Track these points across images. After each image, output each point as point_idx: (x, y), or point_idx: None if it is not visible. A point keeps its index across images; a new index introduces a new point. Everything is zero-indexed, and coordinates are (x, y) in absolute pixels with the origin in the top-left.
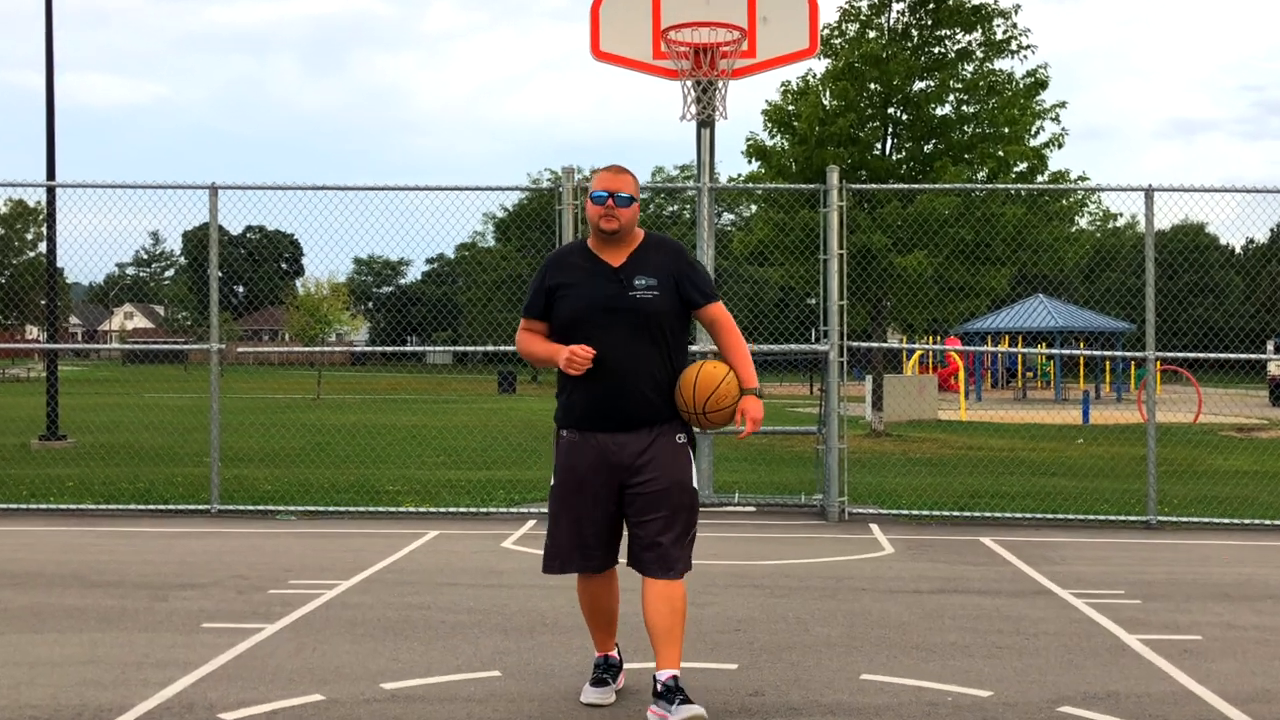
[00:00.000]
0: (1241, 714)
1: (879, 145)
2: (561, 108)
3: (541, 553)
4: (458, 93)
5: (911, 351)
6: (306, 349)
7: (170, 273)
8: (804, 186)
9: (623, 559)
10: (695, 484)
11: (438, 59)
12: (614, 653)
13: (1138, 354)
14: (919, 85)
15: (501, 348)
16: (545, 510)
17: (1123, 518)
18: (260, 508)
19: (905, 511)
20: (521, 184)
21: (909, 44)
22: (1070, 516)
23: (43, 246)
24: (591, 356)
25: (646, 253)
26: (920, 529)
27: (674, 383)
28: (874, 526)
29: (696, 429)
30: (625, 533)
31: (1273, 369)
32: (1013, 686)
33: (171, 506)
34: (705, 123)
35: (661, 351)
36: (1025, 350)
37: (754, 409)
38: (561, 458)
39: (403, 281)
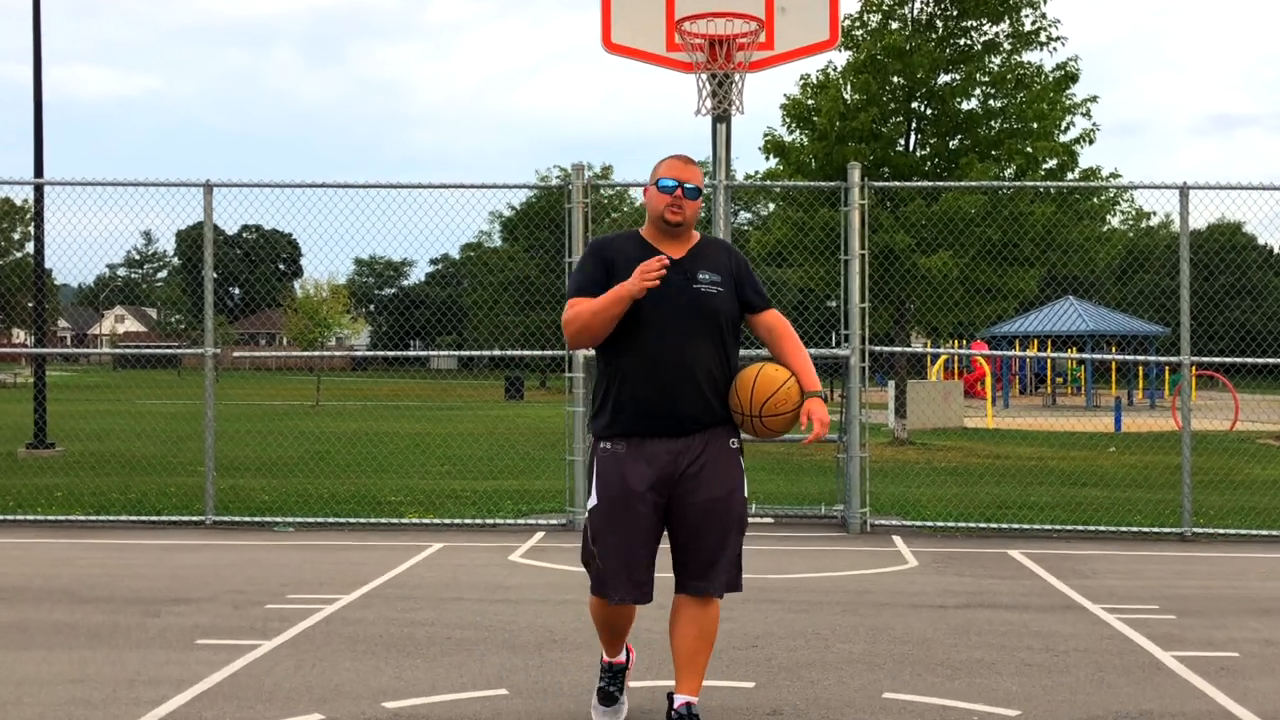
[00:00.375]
0: None
1: (902, 141)
2: (571, 102)
3: (550, 565)
4: (462, 86)
5: (936, 356)
6: (305, 353)
7: (163, 274)
8: (824, 184)
9: (663, 573)
10: (746, 493)
11: (441, 50)
12: (622, 657)
13: (1172, 359)
14: (944, 78)
15: (509, 352)
16: (554, 522)
17: (1156, 529)
18: (257, 519)
19: (929, 523)
20: (529, 181)
21: (933, 35)
22: (1102, 528)
23: (30, 247)
24: (665, 264)
25: (706, 250)
26: (945, 541)
27: (728, 384)
28: (897, 538)
29: (749, 435)
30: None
31: None
32: (1041, 706)
33: (164, 518)
34: (721, 118)
35: (719, 351)
36: (1055, 355)
37: (820, 411)
38: (606, 475)
39: (405, 283)
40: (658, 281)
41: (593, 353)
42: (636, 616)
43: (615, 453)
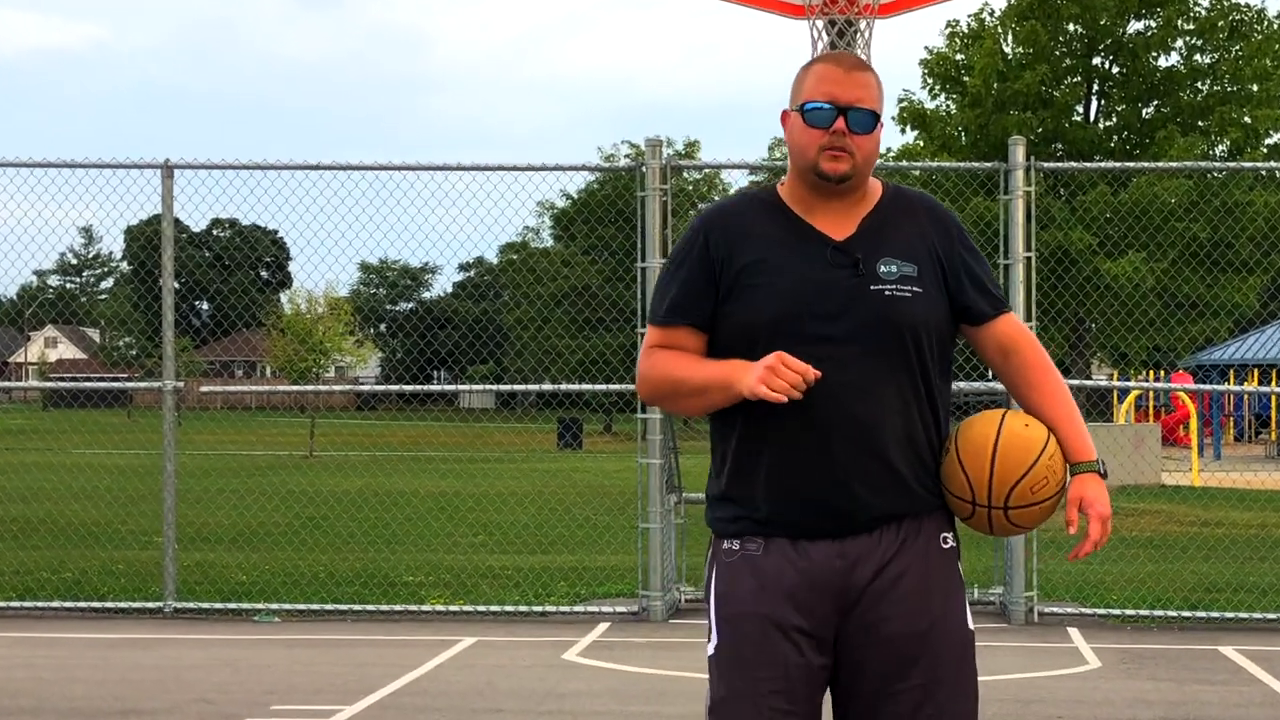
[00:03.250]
0: None
1: (1080, 108)
2: (643, 59)
3: (616, 666)
4: (499, 38)
5: (1125, 391)
6: (295, 388)
7: (108, 284)
8: (977, 165)
9: None
10: (971, 624)
11: None
12: None
13: None
14: (1135, 26)
15: (563, 386)
16: (622, 610)
17: None
18: (231, 606)
19: (1116, 611)
20: (590, 162)
21: None
22: None
23: None
24: (809, 375)
25: (891, 217)
26: (1137, 635)
27: (938, 447)
28: (1074, 631)
29: (980, 531)
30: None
31: None
32: None
33: (110, 604)
34: None
35: (919, 391)
36: None
37: (1100, 500)
38: (730, 595)
39: (427, 296)
40: (781, 397)
41: None
42: None
43: (747, 556)
